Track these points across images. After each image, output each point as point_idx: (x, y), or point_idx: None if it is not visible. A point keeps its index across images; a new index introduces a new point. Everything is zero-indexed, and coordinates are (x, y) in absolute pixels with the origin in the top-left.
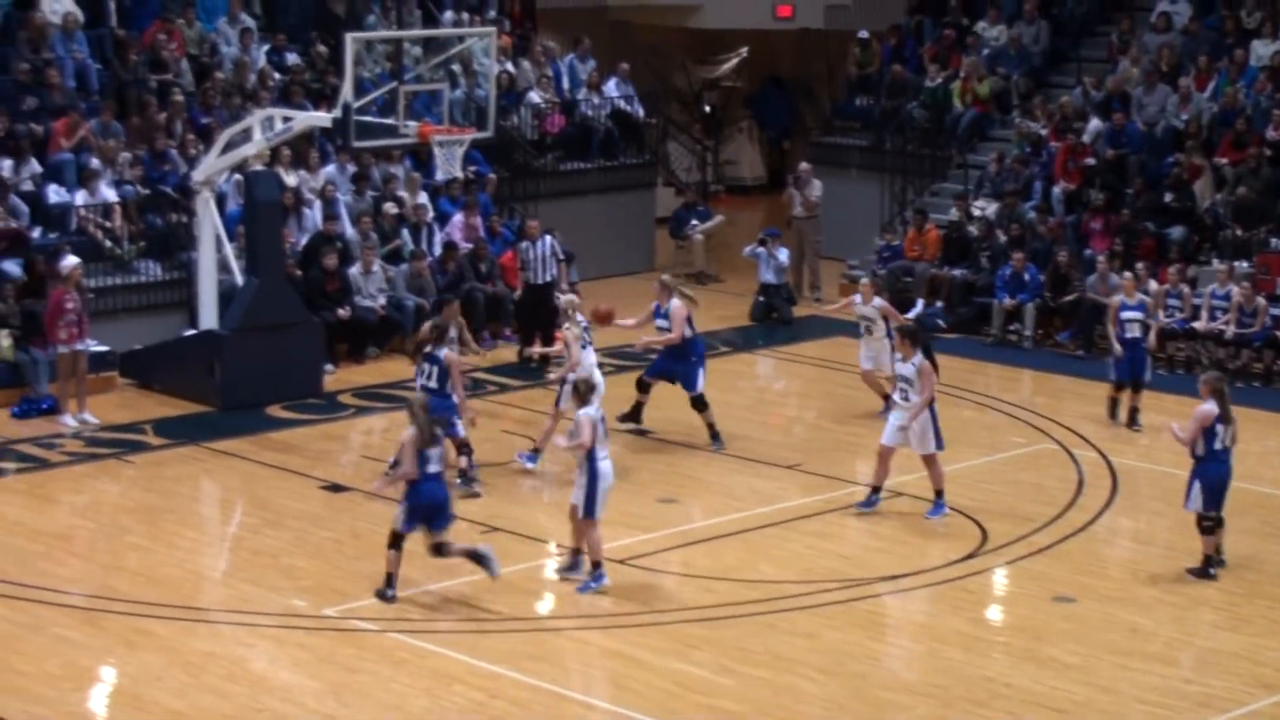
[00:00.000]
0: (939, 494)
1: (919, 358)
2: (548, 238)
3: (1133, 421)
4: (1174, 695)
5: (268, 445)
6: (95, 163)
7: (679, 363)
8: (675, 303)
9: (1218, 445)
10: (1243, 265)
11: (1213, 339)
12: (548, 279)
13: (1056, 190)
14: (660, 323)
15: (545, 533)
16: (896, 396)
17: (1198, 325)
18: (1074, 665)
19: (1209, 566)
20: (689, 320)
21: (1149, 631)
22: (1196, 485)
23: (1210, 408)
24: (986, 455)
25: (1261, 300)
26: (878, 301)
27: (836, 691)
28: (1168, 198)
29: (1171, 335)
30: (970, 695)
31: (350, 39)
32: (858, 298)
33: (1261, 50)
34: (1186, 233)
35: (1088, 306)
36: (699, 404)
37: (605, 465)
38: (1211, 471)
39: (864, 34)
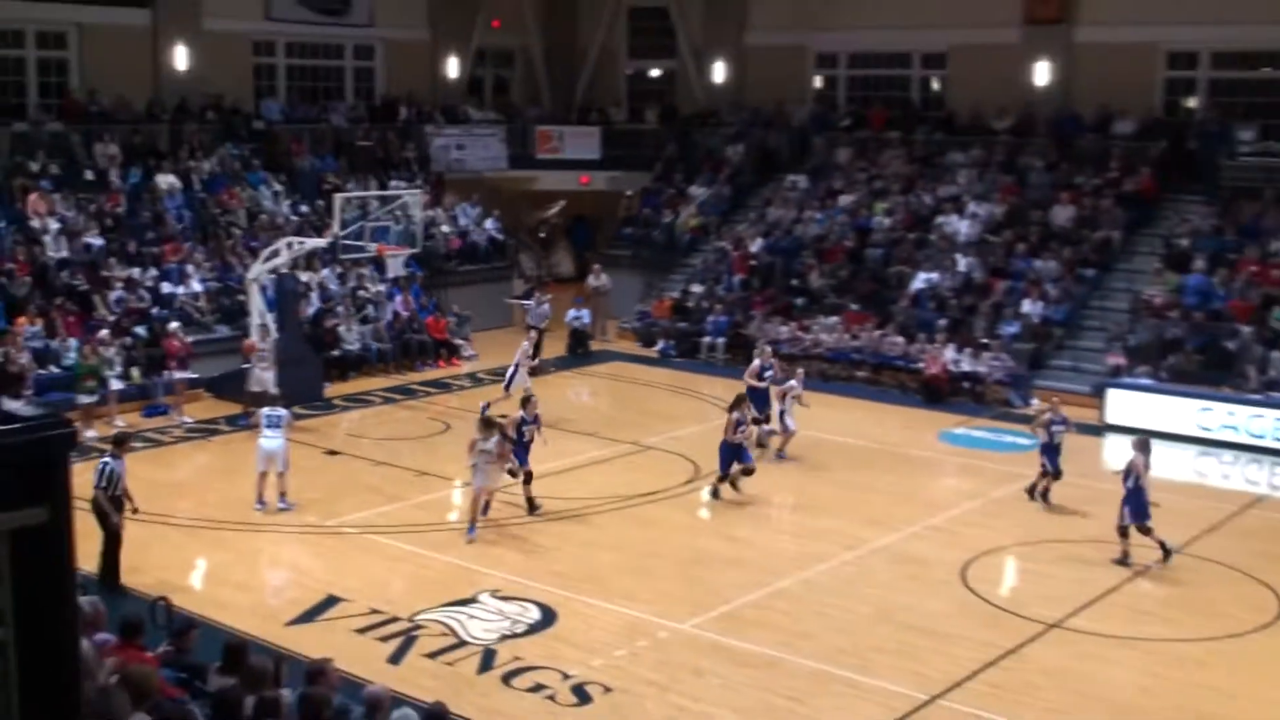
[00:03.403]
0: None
1: (495, 439)
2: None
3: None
4: None
5: (292, 429)
6: (189, 269)
7: None
8: None
9: None
10: (833, 319)
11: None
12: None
13: (735, 279)
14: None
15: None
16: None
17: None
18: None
19: None
20: None
21: None
22: None
23: None
24: (696, 426)
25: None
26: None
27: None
28: (795, 282)
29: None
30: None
31: (338, 197)
32: None
33: (845, 200)
34: (806, 301)
35: (749, 344)
36: None
37: None
38: None
39: (629, 192)
